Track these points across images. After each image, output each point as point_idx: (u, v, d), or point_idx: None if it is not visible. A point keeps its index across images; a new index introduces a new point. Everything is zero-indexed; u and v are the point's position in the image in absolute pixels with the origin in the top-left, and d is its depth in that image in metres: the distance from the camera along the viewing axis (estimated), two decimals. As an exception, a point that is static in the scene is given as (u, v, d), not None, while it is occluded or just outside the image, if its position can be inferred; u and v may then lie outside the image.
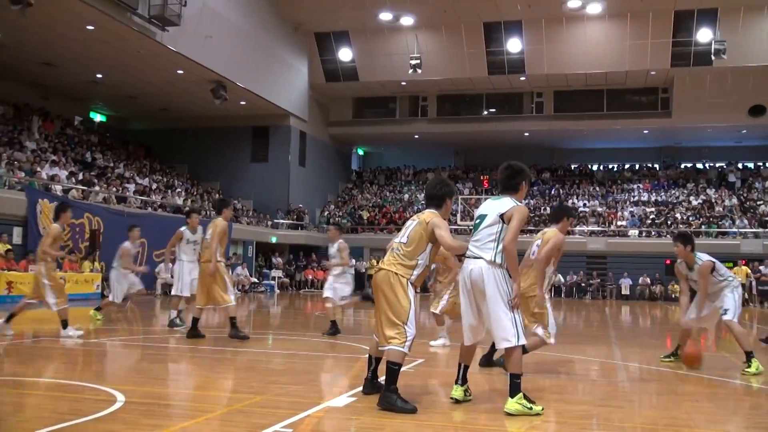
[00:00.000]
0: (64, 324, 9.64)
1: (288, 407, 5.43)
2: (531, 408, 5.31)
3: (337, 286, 11.16)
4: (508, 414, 5.28)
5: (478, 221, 5.69)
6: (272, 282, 29.91)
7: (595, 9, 29.97)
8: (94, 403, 5.46)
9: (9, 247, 18.33)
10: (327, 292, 11.12)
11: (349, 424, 5.11)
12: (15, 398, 5.80)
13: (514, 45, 32.07)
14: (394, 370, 5.43)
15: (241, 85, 27.82)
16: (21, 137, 24.00)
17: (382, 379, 5.62)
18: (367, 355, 6.07)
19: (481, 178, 39.17)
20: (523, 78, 33.80)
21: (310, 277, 31.94)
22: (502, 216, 5.50)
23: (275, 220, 32.88)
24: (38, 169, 21.75)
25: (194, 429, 4.73)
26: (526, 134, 37.02)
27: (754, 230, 31.63)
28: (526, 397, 5.35)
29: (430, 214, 5.78)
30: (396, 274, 5.60)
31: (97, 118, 33.46)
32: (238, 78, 27.43)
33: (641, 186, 37.49)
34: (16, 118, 25.61)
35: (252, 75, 28.56)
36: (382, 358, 5.74)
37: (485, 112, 37.08)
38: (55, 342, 9.46)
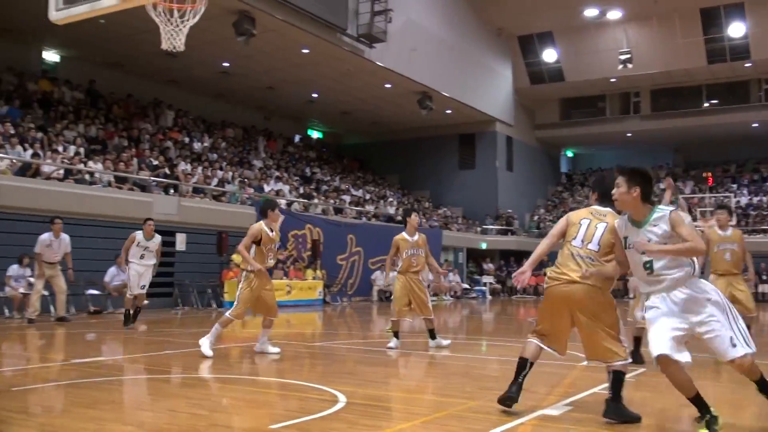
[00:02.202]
0: (431, 334, 9.77)
1: (502, 414, 5.41)
2: None
3: None
4: None
5: None
6: (484, 288, 29.97)
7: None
8: (319, 402, 5.81)
9: (242, 257, 20.03)
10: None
11: (566, 433, 4.99)
12: (251, 396, 6.34)
13: (736, 30, 29.56)
14: (622, 380, 5.18)
15: (447, 94, 28.28)
16: (249, 156, 26.23)
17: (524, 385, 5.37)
18: (520, 358, 5.44)
19: (704, 175, 36.36)
20: (748, 64, 31.01)
21: (521, 282, 31.55)
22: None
23: (484, 226, 32.95)
24: (264, 185, 23.63)
25: (411, 431, 4.87)
26: (755, 125, 33.81)
27: None
28: None
29: (613, 216, 5.30)
30: (598, 287, 5.17)
31: (314, 135, 35.66)
32: (443, 87, 27.90)
33: None
34: (244, 139, 28.06)
35: (456, 83, 28.93)
36: (533, 363, 5.41)
37: (706, 104, 34.49)
38: (282, 344, 10.18)
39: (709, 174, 36.08)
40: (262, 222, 8.78)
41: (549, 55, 33.46)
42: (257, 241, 8.65)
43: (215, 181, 21.59)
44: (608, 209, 5.36)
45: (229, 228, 19.39)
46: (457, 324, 16.31)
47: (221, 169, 22.86)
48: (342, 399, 5.81)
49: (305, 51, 22.67)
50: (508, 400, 5.27)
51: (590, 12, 30.25)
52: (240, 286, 8.69)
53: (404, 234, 9.67)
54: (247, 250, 8.65)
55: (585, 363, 5.75)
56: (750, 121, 33.47)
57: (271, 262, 8.89)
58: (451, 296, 27.06)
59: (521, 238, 33.84)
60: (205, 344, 8.44)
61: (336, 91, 27.63)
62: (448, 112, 30.71)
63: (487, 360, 9.35)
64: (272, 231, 8.78)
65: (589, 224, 5.32)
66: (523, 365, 5.37)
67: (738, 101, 33.70)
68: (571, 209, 37.27)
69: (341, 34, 22.10)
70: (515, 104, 34.86)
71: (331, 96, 28.37)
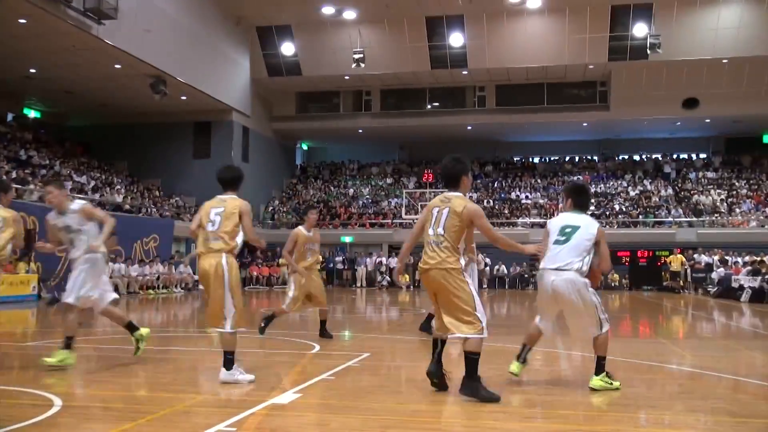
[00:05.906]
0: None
1: (232, 406, 5.38)
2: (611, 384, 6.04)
3: None
4: (593, 390, 6.00)
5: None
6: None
7: (535, 3, 30.48)
8: (30, 408, 5.31)
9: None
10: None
11: (296, 422, 5.09)
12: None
13: (456, 39, 32.38)
14: (474, 359, 5.54)
15: (182, 80, 27.37)
16: (-50, 135, 23.16)
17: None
18: (432, 339, 6.01)
19: (426, 171, 39.25)
20: (465, 72, 34.15)
21: (255, 273, 31.65)
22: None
23: (219, 217, 32.46)
24: (-31, 167, 21.01)
25: (136, 430, 4.65)
26: (469, 128, 37.41)
27: (688, 219, 32.62)
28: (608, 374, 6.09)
29: (460, 201, 5.72)
30: (449, 269, 5.59)
31: (32, 114, 32.48)
32: (178, 72, 26.96)
33: (581, 177, 38.27)
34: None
35: (192, 69, 28.13)
36: (446, 341, 5.87)
37: (428, 106, 37.35)
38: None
39: (430, 171, 38.86)
40: None
41: (287, 49, 33.85)
42: None
43: None
44: (453, 193, 5.77)
45: None
46: (189, 316, 15.87)
47: None
48: (58, 402, 5.38)
49: (22, 21, 20.62)
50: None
51: (327, 9, 31.16)
52: None
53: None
54: None
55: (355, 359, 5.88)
56: (466, 124, 36.93)
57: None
58: (182, 288, 26.28)
59: (256, 229, 33.85)
60: None
61: (58, 68, 25.41)
62: (183, 98, 29.75)
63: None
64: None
65: (440, 212, 5.70)
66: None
67: (456, 105, 37.00)
68: (305, 202, 38.05)
69: (66, 6, 20.39)
70: (253, 95, 34.78)
71: (52, 73, 26.03)
